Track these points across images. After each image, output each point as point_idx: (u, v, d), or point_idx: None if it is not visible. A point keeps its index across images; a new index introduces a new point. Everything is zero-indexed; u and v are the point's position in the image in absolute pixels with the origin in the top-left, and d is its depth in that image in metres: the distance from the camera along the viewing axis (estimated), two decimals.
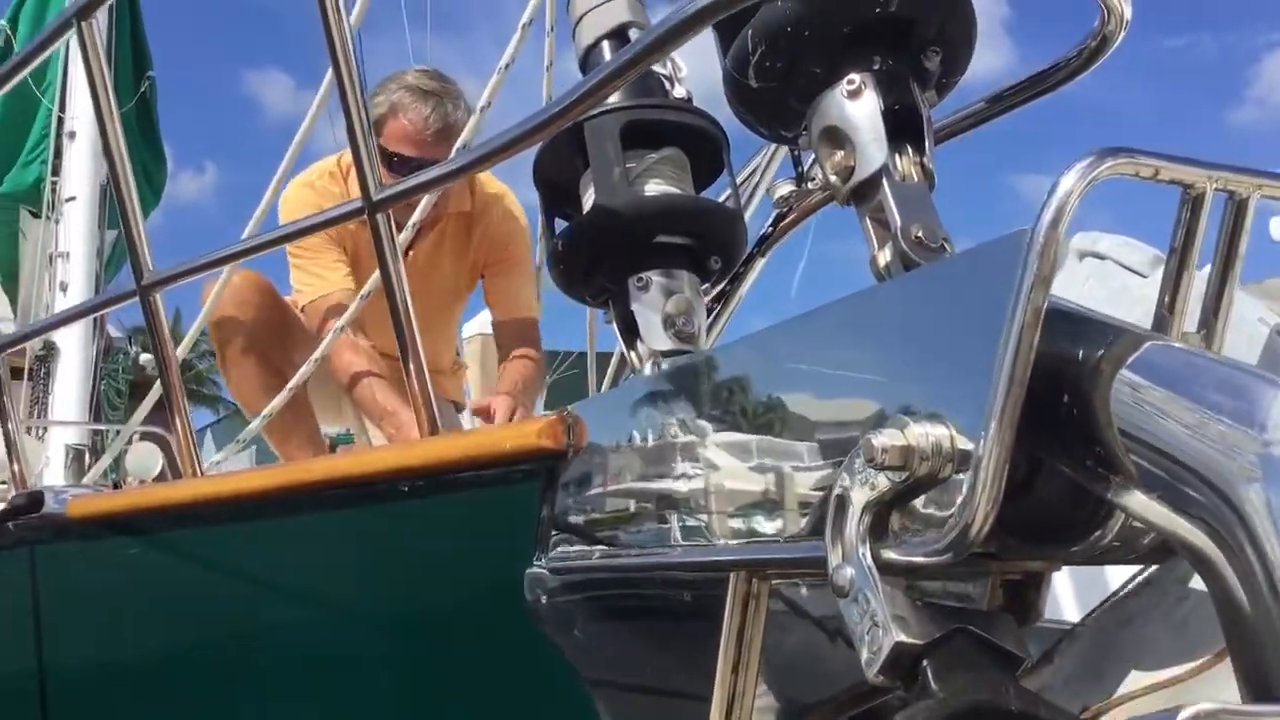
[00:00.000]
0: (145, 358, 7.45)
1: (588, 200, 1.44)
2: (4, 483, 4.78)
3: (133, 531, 1.77)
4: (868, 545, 0.88)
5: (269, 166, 2.45)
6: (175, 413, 1.75)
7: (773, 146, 1.87)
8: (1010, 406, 0.78)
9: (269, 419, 2.46)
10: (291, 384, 2.29)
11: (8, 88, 1.85)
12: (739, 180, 1.68)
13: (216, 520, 1.66)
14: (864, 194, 1.10)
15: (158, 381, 2.78)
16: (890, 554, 0.88)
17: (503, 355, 3.05)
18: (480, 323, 4.40)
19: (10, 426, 2.07)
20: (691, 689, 1.16)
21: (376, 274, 2.12)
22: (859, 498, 0.89)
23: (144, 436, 4.67)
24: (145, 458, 4.47)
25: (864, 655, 0.88)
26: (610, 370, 2.61)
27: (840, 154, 1.11)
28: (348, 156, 1.84)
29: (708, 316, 1.64)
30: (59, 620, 1.92)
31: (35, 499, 1.84)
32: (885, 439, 0.84)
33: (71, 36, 1.73)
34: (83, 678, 1.95)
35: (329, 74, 2.21)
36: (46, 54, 1.81)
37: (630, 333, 1.41)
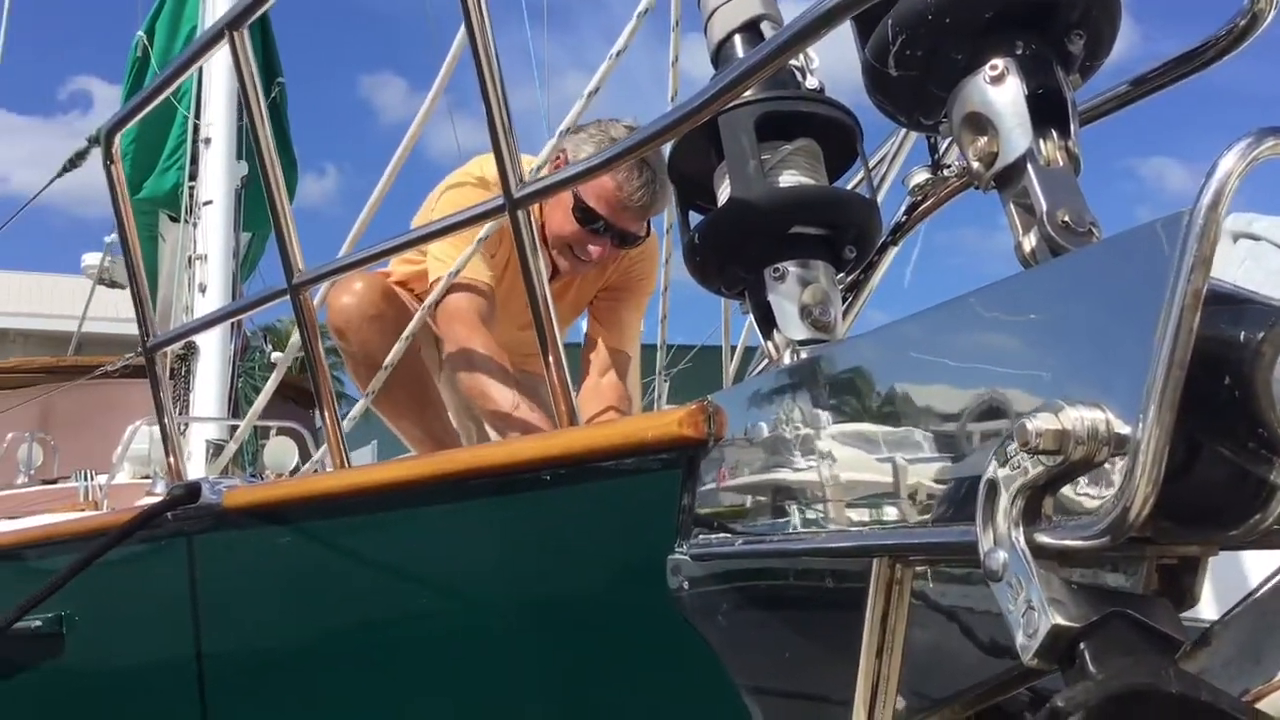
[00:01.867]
0: (276, 356, 7.68)
1: (723, 193, 1.45)
2: (147, 477, 4.99)
3: (286, 521, 1.84)
4: (1021, 529, 0.89)
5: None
6: (325, 407, 1.82)
7: (902, 134, 1.86)
8: (1170, 389, 0.78)
9: (383, 404, 2.51)
10: (391, 358, 2.27)
11: (162, 97, 1.94)
12: (866, 170, 1.67)
13: (366, 510, 1.72)
14: (1008, 179, 1.10)
15: (273, 375, 2.88)
16: (1044, 538, 0.88)
17: (587, 379, 2.96)
18: None
19: (166, 421, 2.16)
20: (835, 673, 1.17)
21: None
22: (1011, 482, 0.89)
23: (280, 432, 4.83)
24: (282, 452, 4.62)
25: (1019, 639, 0.88)
26: (735, 362, 2.63)
27: (983, 140, 1.11)
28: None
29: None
30: (216, 607, 2.00)
31: (193, 490, 1.91)
32: (1040, 423, 0.84)
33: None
34: (238, 663, 2.02)
35: (440, 75, 2.27)
36: (199, 64, 1.90)
37: (766, 323, 1.42)
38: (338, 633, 1.84)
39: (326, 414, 1.83)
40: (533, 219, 2.50)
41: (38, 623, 2.33)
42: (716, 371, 3.00)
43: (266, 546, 1.89)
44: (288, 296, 1.79)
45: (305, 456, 5.36)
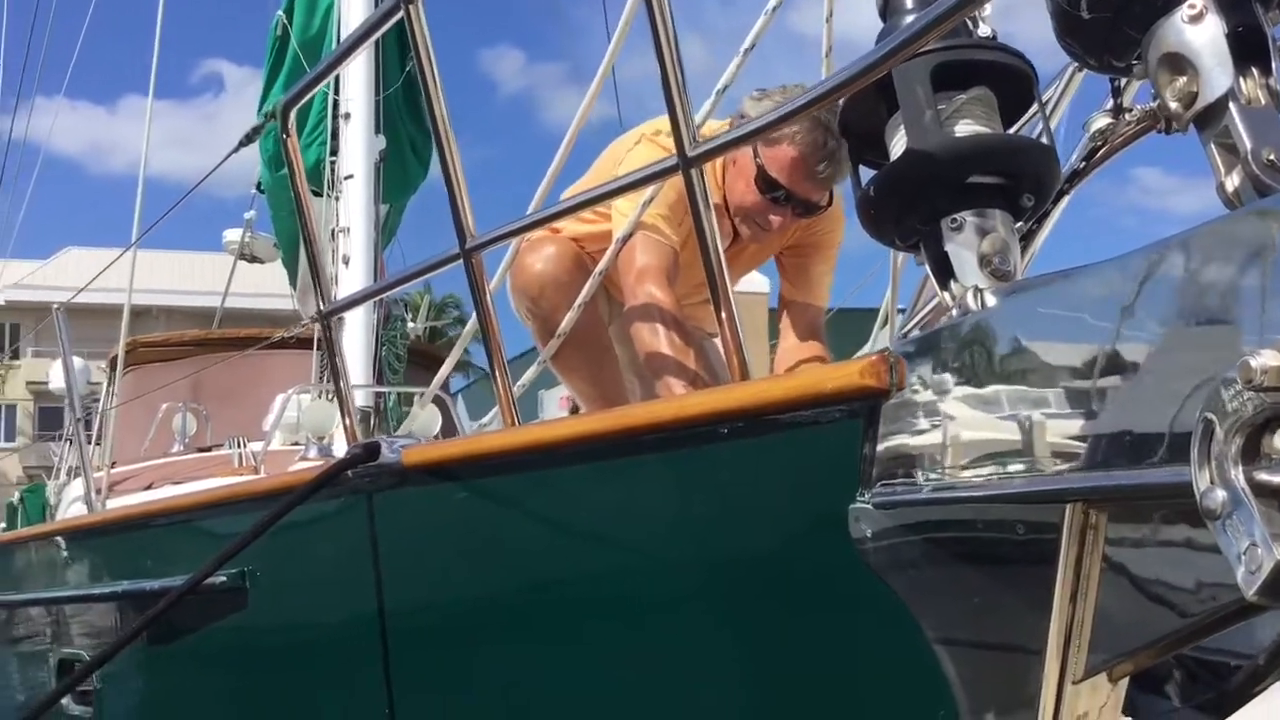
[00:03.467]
0: (410, 326, 7.85)
1: (896, 145, 1.45)
2: (296, 444, 5.16)
3: (463, 478, 1.90)
4: (1240, 467, 0.89)
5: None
6: (497, 368, 1.87)
7: (1067, 76, 1.83)
8: None
9: (558, 362, 2.58)
10: (579, 299, 2.33)
11: (335, 72, 2.00)
12: (1030, 113, 1.66)
13: (542, 465, 1.77)
14: (1208, 120, 1.09)
15: (454, 349, 2.95)
16: (1264, 475, 0.88)
17: (787, 339, 2.97)
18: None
19: (343, 384, 2.24)
20: (1027, 621, 1.18)
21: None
22: (1230, 420, 0.89)
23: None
24: (427, 418, 4.74)
25: (1240, 576, 0.89)
26: (879, 320, 2.62)
27: (1181, 80, 1.10)
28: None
29: None
30: (397, 564, 2.07)
31: (372, 449, 1.98)
32: (1265, 359, 0.85)
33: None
34: (420, 619, 2.08)
35: (612, 45, 2.30)
36: (374, 38, 1.96)
37: (943, 274, 1.42)
38: (516, 588, 1.89)
39: (498, 375, 1.89)
40: (714, 185, 2.50)
41: (222, 578, 2.44)
42: (851, 333, 3.00)
43: (445, 503, 1.95)
44: (461, 260, 1.84)
45: (447, 421, 5.49)
